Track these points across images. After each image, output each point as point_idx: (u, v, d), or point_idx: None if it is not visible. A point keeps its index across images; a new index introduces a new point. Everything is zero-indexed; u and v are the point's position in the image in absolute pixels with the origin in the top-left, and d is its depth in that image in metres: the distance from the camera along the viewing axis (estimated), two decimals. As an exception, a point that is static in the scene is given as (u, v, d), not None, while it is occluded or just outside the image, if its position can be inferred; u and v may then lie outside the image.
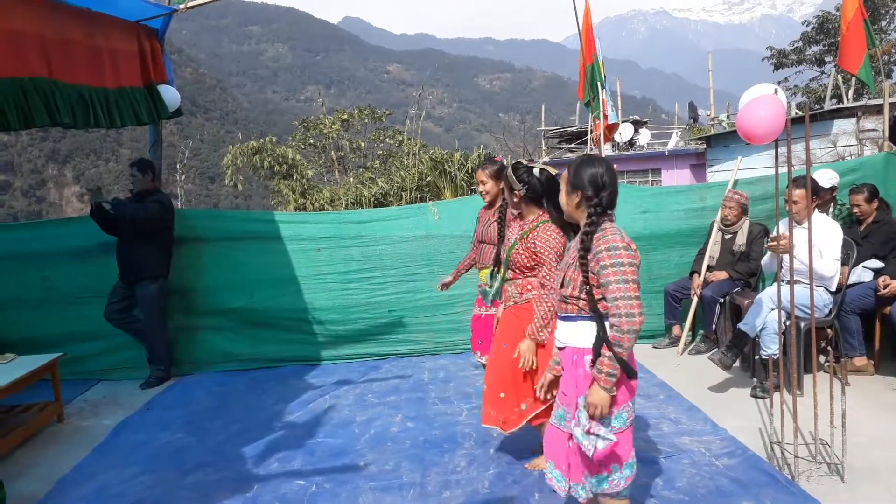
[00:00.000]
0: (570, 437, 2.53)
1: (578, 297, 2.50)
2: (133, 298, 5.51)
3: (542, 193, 3.26)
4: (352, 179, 16.20)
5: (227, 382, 5.54)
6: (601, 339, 2.42)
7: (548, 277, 3.19)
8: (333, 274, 6.02)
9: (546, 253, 3.22)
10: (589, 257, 2.43)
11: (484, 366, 4.13)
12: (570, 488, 2.57)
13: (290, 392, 5.17)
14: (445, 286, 4.52)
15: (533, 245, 3.25)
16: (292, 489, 3.48)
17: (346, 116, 18.51)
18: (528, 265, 3.29)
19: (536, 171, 3.26)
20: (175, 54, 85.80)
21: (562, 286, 2.58)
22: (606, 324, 2.43)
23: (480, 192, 4.28)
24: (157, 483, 3.67)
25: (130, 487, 3.62)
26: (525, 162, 3.40)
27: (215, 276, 5.91)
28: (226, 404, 5.00)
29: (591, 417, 2.39)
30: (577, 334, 2.52)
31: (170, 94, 5.52)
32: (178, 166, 21.50)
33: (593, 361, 2.44)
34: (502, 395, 3.36)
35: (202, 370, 5.82)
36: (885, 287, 4.65)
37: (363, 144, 18.50)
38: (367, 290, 6.04)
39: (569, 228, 2.95)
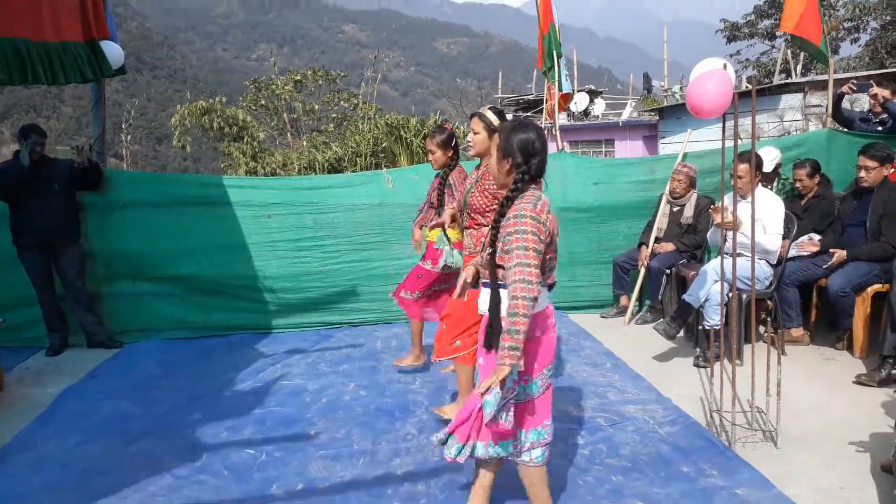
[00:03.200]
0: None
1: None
2: (50, 267, 5.37)
3: None
4: (305, 143, 15.91)
5: (174, 350, 5.45)
6: (495, 306, 2.44)
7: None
8: (285, 241, 5.94)
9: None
10: (502, 223, 2.43)
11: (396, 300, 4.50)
12: (462, 449, 2.55)
13: (240, 361, 5.12)
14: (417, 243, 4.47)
15: (489, 185, 3.35)
16: (241, 458, 3.47)
17: (299, 77, 18.09)
18: (485, 208, 3.38)
19: (509, 116, 3.34)
20: (119, 7, 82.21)
21: (482, 250, 2.60)
22: (502, 293, 2.43)
23: (430, 159, 4.34)
24: (101, 452, 3.61)
25: (74, 456, 3.55)
26: (497, 107, 3.56)
27: (163, 242, 5.76)
28: (173, 373, 4.93)
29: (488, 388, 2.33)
30: None
31: (113, 51, 5.30)
32: (123, 126, 20.68)
33: (487, 329, 2.46)
34: (443, 325, 3.58)
35: (149, 338, 5.70)
36: (834, 256, 4.81)
37: (317, 107, 18.14)
38: (319, 258, 5.98)
39: None
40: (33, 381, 4.82)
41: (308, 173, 12.40)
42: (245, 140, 15.52)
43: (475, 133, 3.48)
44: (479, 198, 3.41)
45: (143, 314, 5.76)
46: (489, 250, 2.51)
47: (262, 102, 17.62)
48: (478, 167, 3.57)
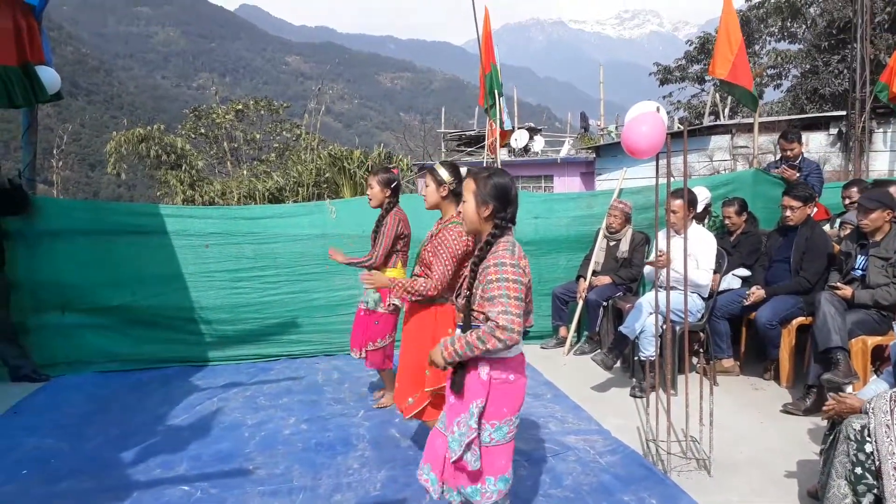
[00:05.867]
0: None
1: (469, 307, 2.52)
2: None
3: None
4: (245, 172, 15.71)
5: (105, 384, 5.23)
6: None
7: (436, 274, 3.28)
8: (223, 272, 5.82)
9: (441, 250, 3.30)
10: (480, 268, 2.46)
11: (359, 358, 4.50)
12: (443, 492, 2.59)
13: (175, 394, 4.96)
14: (336, 256, 4.47)
15: (436, 242, 3.35)
16: (175, 495, 3.34)
17: (240, 107, 17.98)
18: (429, 263, 3.38)
19: (463, 171, 3.37)
20: (54, 31, 79.92)
21: (457, 295, 2.60)
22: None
23: (367, 194, 4.47)
24: (22, 492, 3.42)
25: (-7, 498, 3.36)
26: (451, 161, 3.58)
27: (95, 272, 5.57)
28: (104, 407, 4.72)
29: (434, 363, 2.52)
30: None
31: (48, 76, 5.18)
32: (54, 151, 20.02)
33: (454, 370, 2.51)
34: (397, 385, 3.52)
35: (78, 371, 5.46)
36: (752, 296, 5.03)
37: (258, 136, 18.02)
38: (258, 288, 5.88)
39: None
40: (-51, 417, 4.55)
41: (248, 202, 12.24)
42: (183, 168, 15.27)
43: (427, 186, 3.54)
44: (429, 253, 3.39)
45: (73, 346, 5.52)
46: (466, 293, 2.51)
47: (202, 131, 17.40)
48: (439, 220, 3.56)
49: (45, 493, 3.40)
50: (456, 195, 3.45)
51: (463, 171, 3.45)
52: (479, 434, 2.46)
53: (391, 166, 4.58)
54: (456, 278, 3.28)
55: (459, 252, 3.27)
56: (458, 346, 2.40)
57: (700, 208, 5.85)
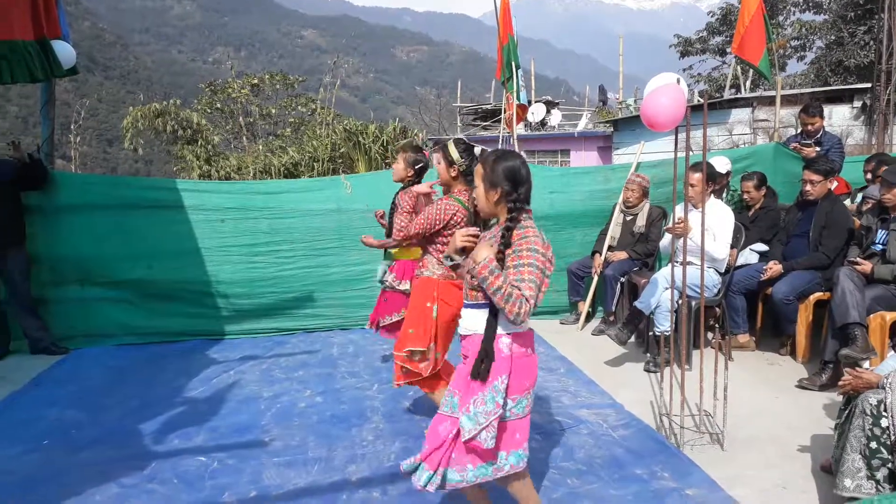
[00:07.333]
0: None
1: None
2: None
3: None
4: (261, 147, 15.74)
5: (123, 357, 5.32)
6: (492, 329, 2.42)
7: (401, 231, 3.50)
8: (239, 246, 5.87)
9: (422, 215, 3.43)
10: (507, 252, 2.40)
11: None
12: (427, 478, 2.45)
13: (192, 367, 5.03)
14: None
15: (432, 209, 3.43)
16: (193, 466, 3.41)
17: (256, 81, 17.96)
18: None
19: (477, 150, 3.36)
20: (71, 6, 79.94)
21: (472, 275, 2.48)
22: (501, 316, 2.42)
23: (393, 166, 4.42)
24: (46, 461, 3.50)
25: (18, 465, 3.44)
26: (465, 139, 3.59)
27: (113, 246, 5.63)
28: (122, 380, 4.81)
29: (476, 269, 2.35)
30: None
31: (65, 51, 5.19)
32: (72, 126, 20.18)
33: (481, 356, 2.42)
34: (411, 331, 3.44)
35: (97, 344, 5.55)
36: (769, 270, 4.98)
37: (274, 111, 18.01)
38: (274, 263, 5.92)
39: (479, 217, 3.03)
40: (-27, 388, 4.65)
41: (264, 177, 12.28)
42: (199, 143, 15.30)
43: (438, 164, 3.52)
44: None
45: (91, 319, 5.61)
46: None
47: (218, 106, 17.42)
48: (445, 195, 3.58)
49: (66, 462, 3.48)
50: (466, 175, 3.45)
51: (477, 150, 3.43)
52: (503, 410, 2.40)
53: (425, 150, 4.55)
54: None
55: (435, 220, 3.36)
56: (491, 277, 2.30)
57: (724, 170, 5.77)
